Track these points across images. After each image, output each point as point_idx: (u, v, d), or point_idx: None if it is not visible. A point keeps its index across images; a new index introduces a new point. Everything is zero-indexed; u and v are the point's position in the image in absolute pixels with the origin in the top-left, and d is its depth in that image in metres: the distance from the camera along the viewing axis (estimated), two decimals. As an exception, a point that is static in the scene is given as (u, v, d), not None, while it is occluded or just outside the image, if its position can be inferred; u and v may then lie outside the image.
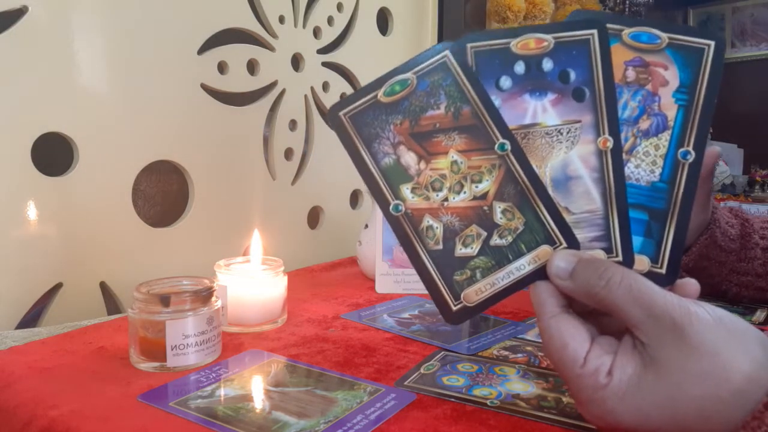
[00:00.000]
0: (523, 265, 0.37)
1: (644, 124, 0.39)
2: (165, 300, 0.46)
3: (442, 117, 0.38)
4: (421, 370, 0.46)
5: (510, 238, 0.38)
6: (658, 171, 0.39)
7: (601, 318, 0.35)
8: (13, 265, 0.63)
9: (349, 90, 1.02)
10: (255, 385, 0.44)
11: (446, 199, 0.38)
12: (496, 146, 0.38)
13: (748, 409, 0.28)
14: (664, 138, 0.39)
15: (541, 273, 0.36)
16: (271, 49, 0.87)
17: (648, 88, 0.39)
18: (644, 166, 0.39)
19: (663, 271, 0.37)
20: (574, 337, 0.33)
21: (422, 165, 0.38)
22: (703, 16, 3.09)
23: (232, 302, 0.56)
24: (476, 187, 0.38)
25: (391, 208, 0.38)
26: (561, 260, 0.35)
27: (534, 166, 0.38)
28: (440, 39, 1.23)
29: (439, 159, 0.38)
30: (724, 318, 0.31)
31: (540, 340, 0.53)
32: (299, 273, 0.82)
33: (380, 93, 0.38)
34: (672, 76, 0.39)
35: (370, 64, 1.05)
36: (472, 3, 1.45)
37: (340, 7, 0.99)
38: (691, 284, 0.36)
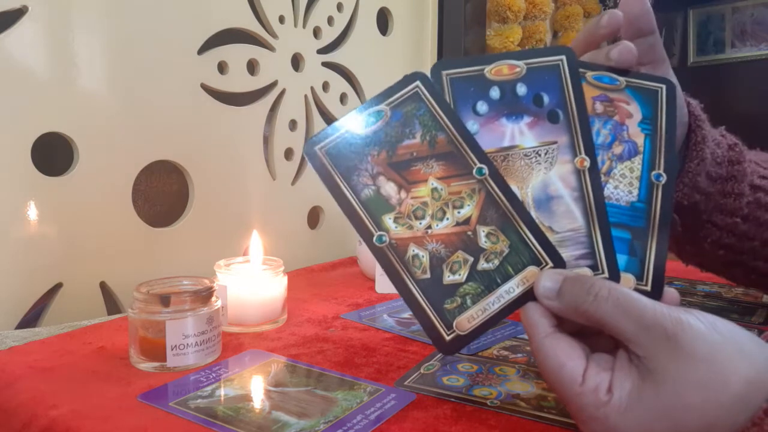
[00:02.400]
0: (513, 288, 0.37)
1: (618, 149, 0.41)
2: (165, 300, 0.46)
3: (418, 146, 0.38)
4: (421, 370, 0.46)
5: (497, 262, 0.37)
6: (635, 192, 0.40)
7: (591, 338, 0.35)
8: (13, 265, 0.63)
9: (349, 90, 1.02)
10: (255, 385, 0.44)
11: (430, 227, 0.38)
12: (474, 171, 0.38)
13: (750, 413, 0.28)
14: (637, 162, 0.41)
15: (530, 294, 0.36)
16: (271, 49, 0.87)
17: (616, 119, 0.41)
18: (622, 187, 0.40)
19: (648, 288, 0.38)
20: (570, 356, 0.33)
21: (403, 194, 0.38)
22: (703, 16, 3.09)
23: (232, 302, 0.56)
24: (458, 212, 0.38)
25: (375, 239, 0.37)
26: (547, 280, 0.35)
27: (515, 188, 0.39)
28: (440, 39, 1.22)
29: (419, 187, 0.38)
30: (717, 324, 0.31)
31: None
32: (299, 273, 0.82)
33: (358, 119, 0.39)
34: (635, 110, 0.42)
35: (370, 64, 1.05)
36: (472, 3, 1.45)
37: (340, 7, 0.99)
38: (671, 293, 0.37)
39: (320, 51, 0.96)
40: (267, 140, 0.90)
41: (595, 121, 0.41)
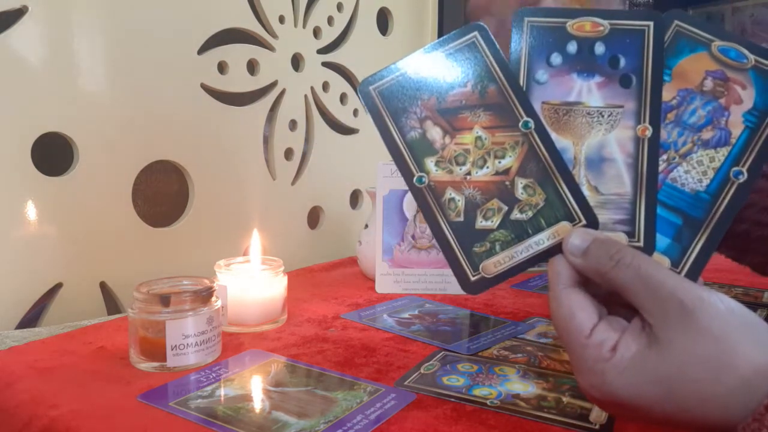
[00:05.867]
0: (542, 240, 0.38)
1: (706, 135, 0.40)
2: (165, 300, 0.46)
3: (468, 94, 0.39)
4: (421, 370, 0.46)
5: (530, 213, 0.38)
6: (705, 182, 0.39)
7: (615, 308, 0.35)
8: (13, 265, 0.63)
9: (349, 90, 1.02)
10: (255, 385, 0.44)
11: (469, 173, 0.39)
12: (520, 124, 0.39)
13: (751, 401, 0.28)
14: (722, 153, 0.39)
15: (558, 249, 0.37)
16: (271, 49, 0.87)
17: (721, 102, 0.40)
18: (694, 173, 0.39)
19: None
20: (583, 309, 0.33)
21: (447, 139, 0.39)
22: (703, 16, 3.08)
23: (232, 302, 0.56)
24: (499, 162, 0.39)
25: (414, 179, 0.39)
26: (576, 238, 0.36)
27: (569, 143, 0.39)
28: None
29: (463, 134, 0.39)
30: (736, 309, 0.31)
31: (539, 340, 0.53)
32: (299, 273, 0.82)
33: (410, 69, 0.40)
34: (748, 96, 0.40)
35: (370, 64, 1.05)
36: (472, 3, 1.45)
37: (340, 7, 0.99)
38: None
39: (320, 51, 0.96)
40: (267, 140, 0.90)
41: (696, 99, 0.40)
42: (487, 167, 0.39)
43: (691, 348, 0.30)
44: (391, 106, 0.40)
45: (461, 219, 0.39)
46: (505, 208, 0.38)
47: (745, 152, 0.39)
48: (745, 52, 0.40)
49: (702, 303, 0.30)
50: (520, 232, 0.38)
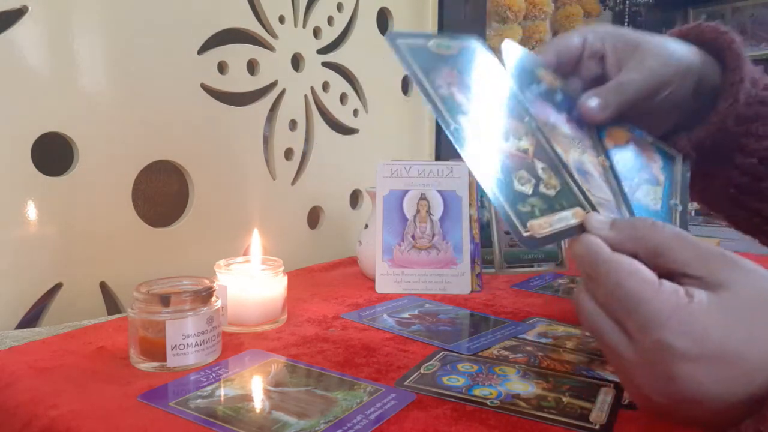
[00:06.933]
0: (569, 216, 0.39)
1: (645, 175, 0.46)
2: (165, 300, 0.46)
3: (483, 82, 0.43)
4: (421, 370, 0.46)
5: (553, 192, 0.40)
6: (659, 204, 0.45)
7: None
8: (13, 265, 0.63)
9: (349, 90, 1.02)
10: (255, 385, 0.44)
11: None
12: (526, 120, 0.42)
13: None
14: (659, 190, 0.46)
15: (581, 229, 0.38)
16: (271, 49, 0.87)
17: (644, 156, 0.47)
18: (649, 199, 0.45)
19: None
20: (640, 264, 0.33)
21: (473, 106, 0.41)
22: (703, 16, 3.08)
23: (232, 302, 0.56)
24: (519, 141, 0.41)
25: (452, 128, 0.39)
26: (598, 215, 0.37)
27: (562, 151, 0.43)
28: (440, 39, 1.22)
29: (485, 108, 0.42)
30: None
31: (539, 340, 0.53)
32: (299, 273, 0.82)
33: (430, 41, 0.43)
34: (657, 159, 0.48)
35: (370, 64, 1.05)
36: (472, 3, 1.45)
37: (340, 7, 0.99)
38: None
39: (320, 51, 0.96)
40: (267, 140, 0.90)
41: (629, 151, 0.47)
42: (510, 141, 0.40)
43: (753, 284, 0.31)
44: (419, 62, 0.41)
45: (500, 176, 0.38)
46: (534, 180, 0.39)
47: (672, 190, 0.46)
48: (644, 133, 0.48)
49: (735, 255, 0.32)
50: (552, 203, 0.39)
